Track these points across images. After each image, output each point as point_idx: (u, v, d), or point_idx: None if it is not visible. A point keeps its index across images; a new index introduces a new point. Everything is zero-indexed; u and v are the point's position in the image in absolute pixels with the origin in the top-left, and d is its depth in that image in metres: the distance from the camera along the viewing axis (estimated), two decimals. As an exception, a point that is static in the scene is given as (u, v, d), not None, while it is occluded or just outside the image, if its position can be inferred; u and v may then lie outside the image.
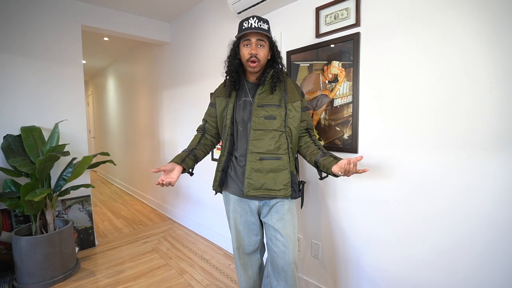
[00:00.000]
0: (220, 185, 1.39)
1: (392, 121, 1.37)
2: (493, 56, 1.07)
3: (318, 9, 1.63)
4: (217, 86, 1.48)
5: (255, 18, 1.25)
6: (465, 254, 1.17)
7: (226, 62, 1.35)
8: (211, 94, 1.47)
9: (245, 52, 1.26)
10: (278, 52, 1.32)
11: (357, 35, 1.46)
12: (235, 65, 1.30)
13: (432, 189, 1.25)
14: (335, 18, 1.56)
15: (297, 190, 1.32)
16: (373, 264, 1.50)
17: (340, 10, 1.53)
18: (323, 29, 1.62)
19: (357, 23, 1.46)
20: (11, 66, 2.20)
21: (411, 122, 1.31)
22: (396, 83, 1.35)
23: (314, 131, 1.37)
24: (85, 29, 2.68)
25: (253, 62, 1.25)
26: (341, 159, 1.16)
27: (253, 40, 1.24)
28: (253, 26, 1.23)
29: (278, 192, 1.26)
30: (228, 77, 1.34)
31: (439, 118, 1.21)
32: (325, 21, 1.61)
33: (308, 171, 1.78)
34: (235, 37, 1.30)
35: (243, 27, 1.25)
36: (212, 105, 1.45)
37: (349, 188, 1.57)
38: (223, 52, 2.38)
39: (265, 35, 1.26)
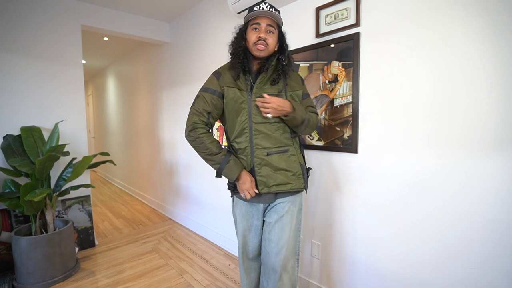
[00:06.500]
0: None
1: (392, 121, 1.37)
2: (493, 57, 1.07)
3: (318, 9, 1.63)
4: (219, 69, 1.29)
5: (267, 4, 1.20)
6: (465, 254, 1.17)
7: (231, 46, 1.26)
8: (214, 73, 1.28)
9: (253, 35, 1.19)
10: (287, 45, 1.27)
11: (357, 35, 1.46)
12: (242, 46, 1.22)
13: (432, 189, 1.25)
14: (335, 18, 1.56)
15: (306, 181, 1.31)
16: (373, 263, 1.49)
17: (340, 10, 1.53)
18: (323, 29, 1.62)
19: (357, 23, 1.46)
20: (11, 66, 2.20)
21: (411, 122, 1.30)
22: (396, 83, 1.35)
23: (313, 114, 1.31)
24: (85, 29, 2.68)
25: (261, 45, 1.18)
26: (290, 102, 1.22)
27: (263, 24, 1.19)
28: (264, 10, 1.18)
29: (292, 185, 1.22)
30: (234, 59, 1.24)
31: (439, 118, 1.21)
32: (325, 21, 1.60)
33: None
34: (244, 20, 1.24)
35: (254, 10, 1.20)
36: (218, 93, 1.23)
37: (349, 188, 1.57)
38: (223, 52, 2.38)
39: (276, 23, 1.21)
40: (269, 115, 1.20)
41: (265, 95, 1.18)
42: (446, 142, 1.20)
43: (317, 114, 1.36)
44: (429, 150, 1.25)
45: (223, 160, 1.21)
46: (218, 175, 1.26)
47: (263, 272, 1.34)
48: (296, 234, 1.33)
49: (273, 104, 1.16)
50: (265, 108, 1.18)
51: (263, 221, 1.34)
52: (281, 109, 1.18)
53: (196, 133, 1.21)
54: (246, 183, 1.21)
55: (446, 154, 1.20)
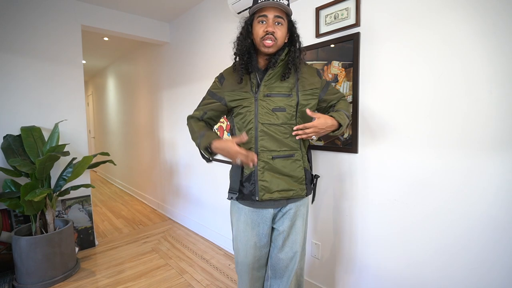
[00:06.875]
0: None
1: (392, 121, 1.37)
2: (493, 57, 1.07)
3: (318, 9, 1.63)
4: (223, 73, 1.25)
5: None
6: (465, 254, 1.17)
7: (235, 43, 1.17)
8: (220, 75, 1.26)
9: (260, 29, 1.10)
10: (298, 35, 1.16)
11: (357, 35, 1.46)
12: (247, 44, 1.13)
13: (432, 189, 1.25)
14: (335, 18, 1.56)
15: (310, 187, 1.24)
16: (373, 263, 1.49)
17: (340, 10, 1.53)
18: (323, 29, 1.62)
19: (357, 23, 1.46)
20: (11, 66, 2.20)
21: (411, 122, 1.30)
22: (396, 83, 1.35)
23: (343, 102, 1.24)
24: (85, 29, 2.68)
25: (269, 40, 1.08)
26: (333, 117, 1.13)
27: (270, 16, 1.08)
28: (270, 1, 1.07)
29: (294, 192, 1.16)
30: (237, 59, 1.17)
31: (439, 118, 1.21)
32: (325, 21, 1.61)
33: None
34: (249, 12, 1.14)
35: (259, 1, 1.09)
36: (217, 97, 1.21)
37: (349, 188, 1.57)
38: (223, 52, 2.38)
39: (285, 12, 1.11)
40: (314, 137, 1.14)
41: (302, 126, 1.09)
42: (446, 142, 1.20)
43: (339, 100, 1.27)
44: (429, 150, 1.25)
45: (201, 133, 1.17)
46: (202, 154, 1.22)
47: (273, 275, 1.28)
48: (306, 236, 1.31)
49: (314, 128, 1.08)
50: (306, 134, 1.09)
51: (272, 228, 1.25)
52: (324, 130, 1.11)
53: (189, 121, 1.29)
54: (231, 147, 1.06)
55: (446, 154, 1.20)
